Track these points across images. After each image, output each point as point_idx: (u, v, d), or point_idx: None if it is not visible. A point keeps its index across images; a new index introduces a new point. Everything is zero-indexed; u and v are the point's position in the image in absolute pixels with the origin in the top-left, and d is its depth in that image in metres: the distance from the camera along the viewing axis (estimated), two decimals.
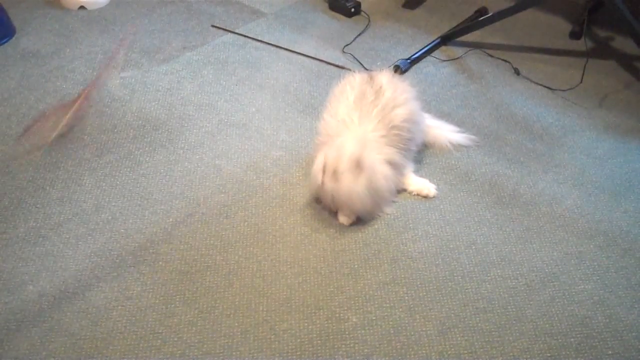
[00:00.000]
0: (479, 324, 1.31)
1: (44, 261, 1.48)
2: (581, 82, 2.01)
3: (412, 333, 1.30)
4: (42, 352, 1.28)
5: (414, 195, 1.62)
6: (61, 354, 1.28)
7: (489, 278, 1.41)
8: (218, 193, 1.65)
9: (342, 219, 1.55)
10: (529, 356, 1.25)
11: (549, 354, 1.25)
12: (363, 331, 1.31)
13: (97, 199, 1.64)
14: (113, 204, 1.63)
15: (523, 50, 2.23)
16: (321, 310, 1.35)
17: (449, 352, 1.26)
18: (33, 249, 1.51)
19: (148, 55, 2.21)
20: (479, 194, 1.63)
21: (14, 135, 1.87)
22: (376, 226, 1.54)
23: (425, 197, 1.61)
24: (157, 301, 1.38)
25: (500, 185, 1.66)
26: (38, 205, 1.63)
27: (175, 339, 1.30)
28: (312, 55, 2.20)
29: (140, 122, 1.91)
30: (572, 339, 1.28)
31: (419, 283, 1.40)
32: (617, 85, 2.03)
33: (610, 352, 1.25)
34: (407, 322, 1.32)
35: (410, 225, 1.55)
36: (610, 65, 2.13)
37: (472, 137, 1.80)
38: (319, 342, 1.29)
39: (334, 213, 1.57)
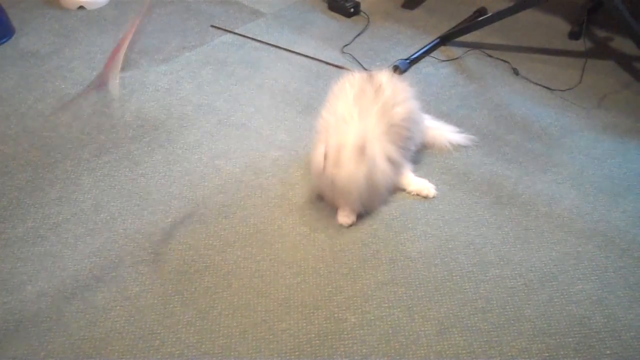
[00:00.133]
0: (478, 324, 1.31)
1: (43, 261, 1.48)
2: (580, 82, 2.01)
3: (411, 333, 1.30)
4: (40, 353, 1.28)
5: (414, 195, 1.62)
6: (60, 354, 1.28)
7: (488, 278, 1.41)
8: (217, 193, 1.65)
9: (341, 219, 1.55)
10: (527, 356, 1.25)
11: (547, 354, 1.25)
12: (361, 331, 1.31)
13: (96, 199, 1.64)
14: (112, 204, 1.63)
15: (522, 51, 2.23)
16: (320, 310, 1.35)
17: (448, 352, 1.26)
18: (31, 249, 1.51)
19: (147, 55, 2.21)
20: (477, 194, 1.63)
21: (13, 135, 1.87)
22: (375, 226, 1.54)
23: (425, 197, 1.61)
24: (155, 301, 1.38)
25: (499, 186, 1.66)
26: (37, 206, 1.63)
27: (174, 339, 1.30)
28: (311, 56, 2.20)
29: (139, 122, 1.91)
30: (570, 339, 1.28)
31: (417, 283, 1.40)
32: (615, 85, 2.03)
33: (608, 351, 1.25)
34: (405, 322, 1.32)
35: (409, 225, 1.55)
36: (609, 66, 2.13)
37: (471, 137, 1.80)
38: (317, 342, 1.29)
39: (333, 213, 1.57)
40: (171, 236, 1.53)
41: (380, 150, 1.50)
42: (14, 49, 2.27)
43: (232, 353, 1.27)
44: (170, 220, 1.58)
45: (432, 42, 2.23)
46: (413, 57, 2.15)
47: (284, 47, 2.25)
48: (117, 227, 1.56)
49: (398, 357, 1.25)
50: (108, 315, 1.35)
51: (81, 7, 2.50)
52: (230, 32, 2.36)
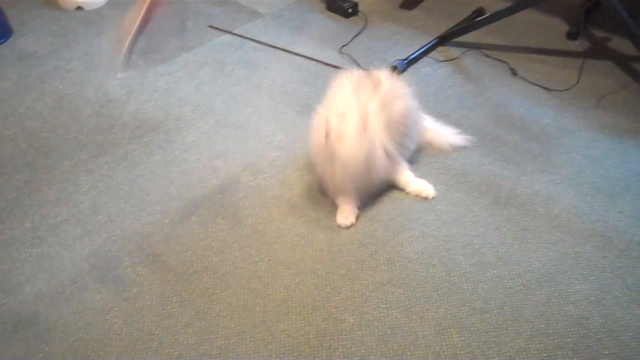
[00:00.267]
0: (476, 324, 1.31)
1: (41, 262, 1.48)
2: (578, 82, 2.01)
3: (409, 334, 1.30)
4: (38, 354, 1.28)
5: (412, 195, 1.62)
6: (58, 356, 1.27)
7: (486, 278, 1.41)
8: (215, 194, 1.65)
9: (341, 220, 1.55)
10: (525, 356, 1.25)
11: (545, 354, 1.25)
12: (360, 332, 1.31)
13: (94, 199, 1.64)
14: (110, 205, 1.63)
15: (520, 51, 2.23)
16: (318, 311, 1.35)
17: (446, 353, 1.26)
18: (30, 250, 1.51)
19: (145, 56, 2.21)
20: (475, 195, 1.63)
21: (11, 136, 1.87)
22: (373, 227, 1.55)
23: (425, 198, 1.61)
24: (154, 302, 1.38)
25: (497, 186, 1.66)
26: (35, 206, 1.63)
27: (172, 341, 1.30)
28: (310, 56, 2.20)
29: (137, 122, 1.91)
30: (568, 339, 1.28)
31: (415, 284, 1.40)
32: (613, 85, 2.04)
33: (606, 352, 1.25)
34: (403, 322, 1.32)
35: (407, 225, 1.55)
36: (607, 66, 2.13)
37: (469, 137, 1.80)
38: (316, 342, 1.29)
39: (331, 214, 1.57)
40: (169, 237, 1.53)
41: (379, 141, 1.50)
42: (12, 49, 2.26)
43: (230, 354, 1.27)
44: (168, 221, 1.58)
45: (430, 42, 2.23)
46: (411, 57, 2.15)
47: (282, 47, 2.25)
48: (115, 228, 1.56)
49: (396, 358, 1.25)
50: (106, 316, 1.35)
51: (79, 8, 2.49)
52: (228, 32, 2.35)
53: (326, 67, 2.14)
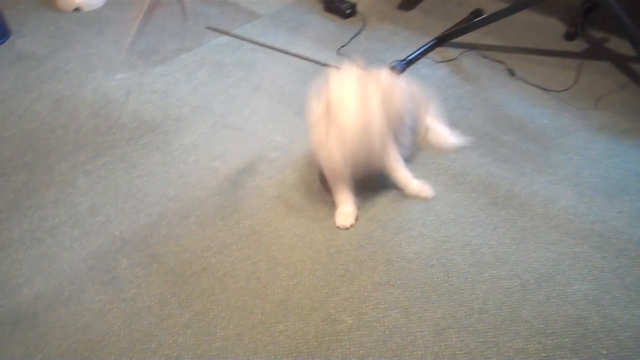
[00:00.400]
0: (474, 325, 1.31)
1: (39, 264, 1.47)
2: (576, 83, 2.01)
3: (408, 334, 1.30)
4: (37, 355, 1.28)
5: (411, 196, 1.62)
6: (56, 357, 1.27)
7: (484, 279, 1.41)
8: (213, 195, 1.65)
9: (340, 221, 1.55)
10: (524, 356, 1.25)
11: (544, 354, 1.25)
12: (358, 332, 1.31)
13: (92, 201, 1.64)
14: (108, 206, 1.63)
15: (518, 52, 2.23)
16: (316, 312, 1.35)
17: (445, 353, 1.26)
18: (28, 251, 1.51)
19: (143, 57, 2.21)
20: (474, 195, 1.63)
21: (9, 137, 1.86)
22: (372, 227, 1.55)
23: (424, 199, 1.61)
24: (152, 303, 1.38)
25: (495, 186, 1.66)
26: (33, 208, 1.63)
27: (171, 342, 1.30)
28: (308, 57, 2.20)
29: (135, 124, 1.91)
30: (567, 339, 1.28)
31: (414, 284, 1.40)
32: (611, 86, 2.04)
33: (605, 351, 1.25)
34: (402, 323, 1.32)
35: (406, 226, 1.55)
36: (605, 66, 2.14)
37: (467, 138, 1.80)
38: (314, 343, 1.29)
39: (330, 215, 1.57)
40: (168, 238, 1.53)
41: (377, 115, 1.49)
42: (10, 50, 2.26)
43: (229, 355, 1.27)
44: (166, 222, 1.58)
45: (428, 43, 2.24)
46: (409, 58, 2.16)
47: (281, 48, 2.25)
48: (114, 229, 1.56)
49: (395, 358, 1.25)
50: (105, 317, 1.35)
51: (77, 9, 2.49)
52: (226, 33, 2.36)
53: (324, 68, 2.15)
